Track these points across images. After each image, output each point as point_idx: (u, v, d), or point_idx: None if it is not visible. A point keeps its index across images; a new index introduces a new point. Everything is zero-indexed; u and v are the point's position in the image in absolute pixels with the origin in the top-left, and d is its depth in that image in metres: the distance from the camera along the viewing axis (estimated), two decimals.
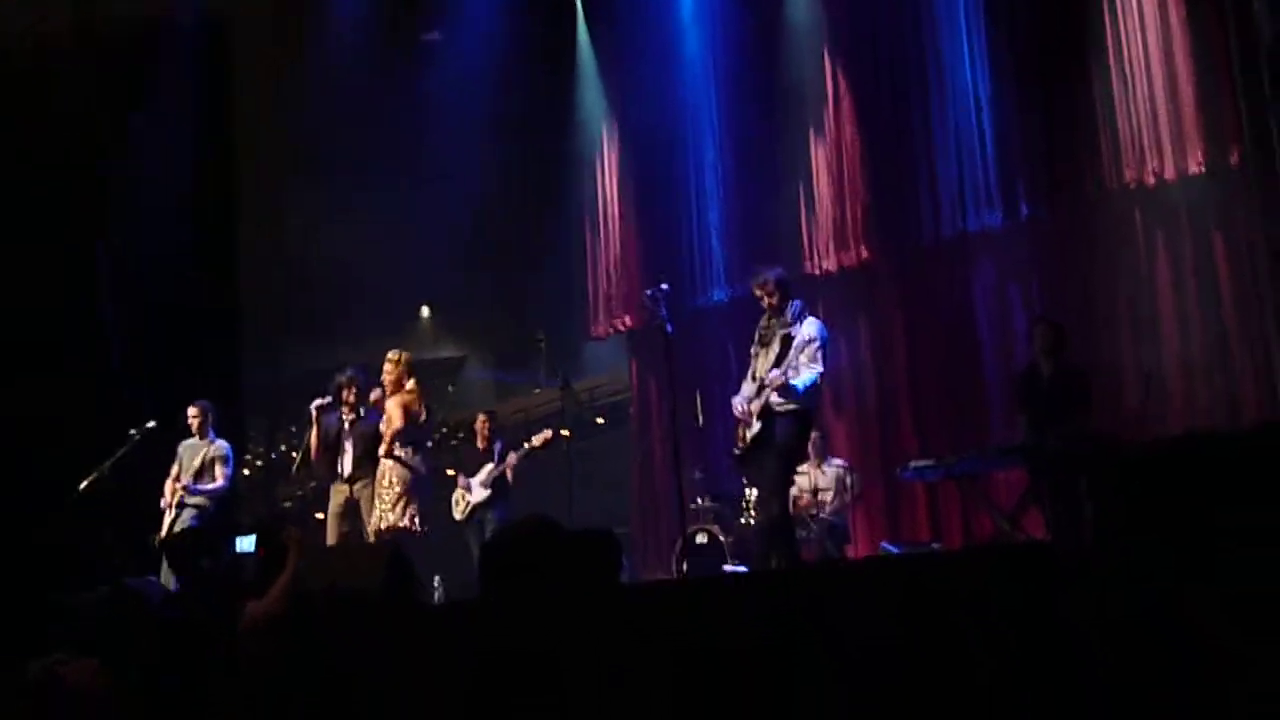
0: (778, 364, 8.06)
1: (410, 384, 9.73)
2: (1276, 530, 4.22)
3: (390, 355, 9.83)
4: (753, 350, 8.41)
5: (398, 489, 9.45)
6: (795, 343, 8.08)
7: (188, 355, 12.15)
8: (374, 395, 9.95)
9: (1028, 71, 11.47)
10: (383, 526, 9.40)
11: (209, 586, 6.39)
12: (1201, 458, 5.29)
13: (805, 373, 8.01)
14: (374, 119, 14.36)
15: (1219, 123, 10.35)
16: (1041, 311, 10.73)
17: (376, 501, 9.54)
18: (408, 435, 9.56)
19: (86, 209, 12.27)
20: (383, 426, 9.65)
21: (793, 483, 8.72)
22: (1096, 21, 11.05)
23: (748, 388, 8.29)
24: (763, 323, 8.37)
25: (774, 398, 8.03)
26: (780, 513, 8.10)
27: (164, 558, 6.33)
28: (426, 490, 9.75)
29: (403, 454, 9.52)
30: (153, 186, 12.35)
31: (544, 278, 15.59)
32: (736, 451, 8.37)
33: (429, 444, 9.83)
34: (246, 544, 7.29)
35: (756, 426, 8.15)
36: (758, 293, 8.41)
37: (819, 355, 8.09)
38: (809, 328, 8.17)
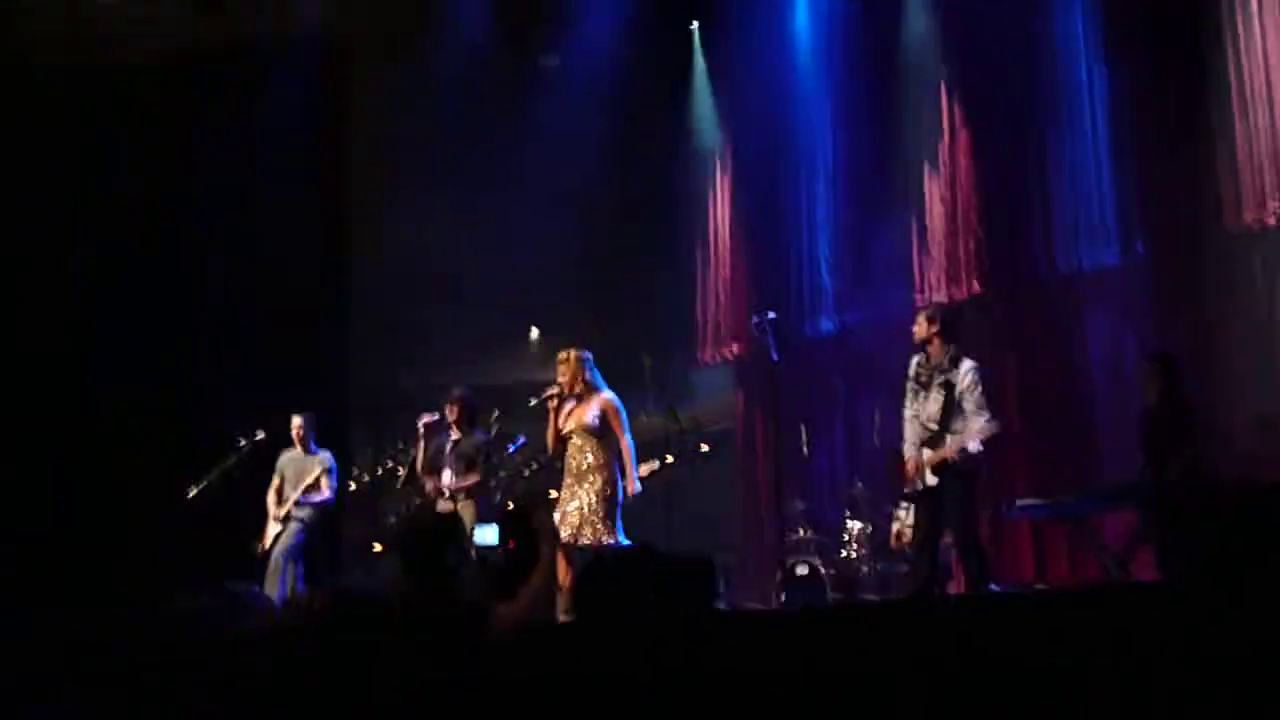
0: (945, 414, 8.12)
1: (606, 393, 9.27)
2: None
3: (560, 355, 9.41)
4: (910, 387, 8.47)
5: (601, 502, 9.00)
6: (958, 391, 8.15)
7: (296, 364, 12.30)
8: (567, 409, 9.31)
9: (1147, 107, 11.28)
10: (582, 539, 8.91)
11: (456, 585, 5.61)
12: None
13: (977, 423, 8.07)
14: (487, 137, 14.46)
15: None
16: (1153, 350, 10.54)
17: (577, 508, 9.03)
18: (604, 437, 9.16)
19: (199, 215, 12.48)
20: (576, 423, 9.19)
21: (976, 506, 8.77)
22: (1219, 58, 10.82)
23: (911, 431, 8.37)
24: (919, 360, 8.43)
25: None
26: (975, 537, 8.40)
27: (397, 551, 5.51)
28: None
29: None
30: (266, 195, 12.55)
31: (653, 303, 15.58)
32: (908, 491, 8.63)
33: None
34: (488, 535, 6.99)
35: (933, 480, 8.29)
36: (916, 325, 8.55)
37: (984, 398, 8.15)
38: (966, 373, 8.23)
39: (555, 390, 9.32)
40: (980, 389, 8.19)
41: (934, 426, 8.25)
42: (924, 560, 8.48)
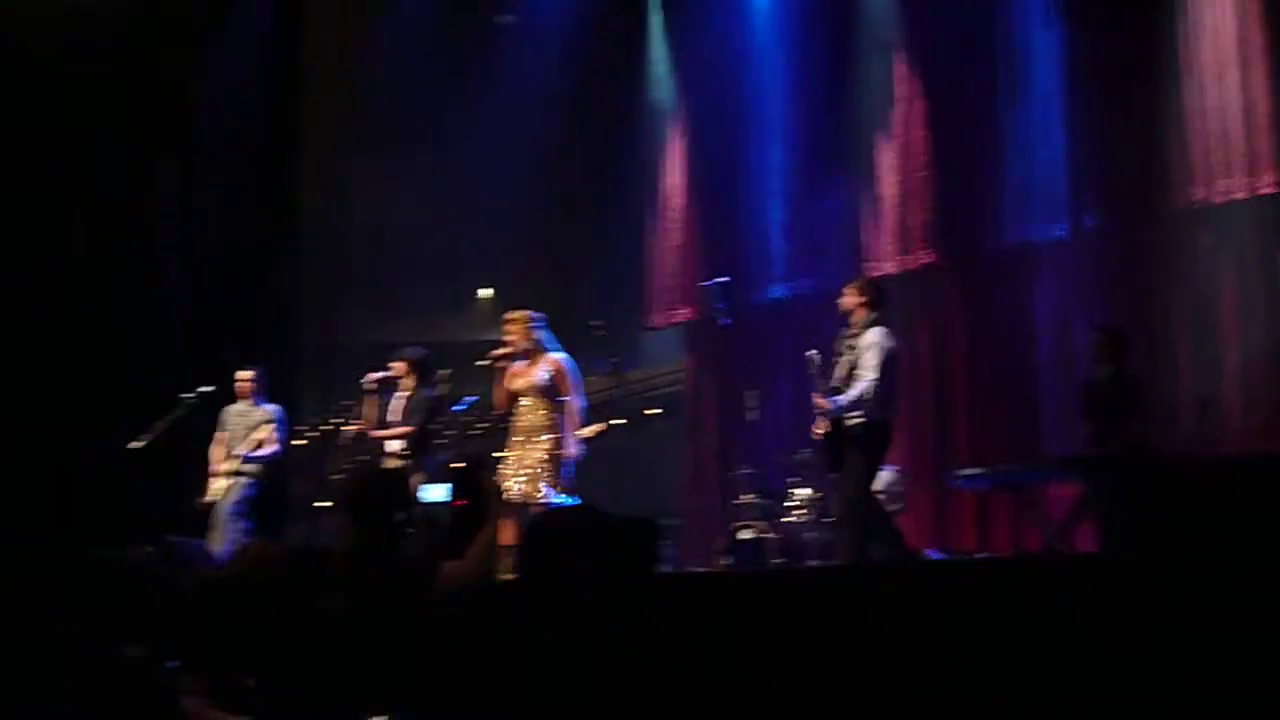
0: (846, 377, 8.25)
1: (556, 354, 9.27)
2: None
3: (509, 315, 9.43)
4: (835, 358, 8.57)
5: (549, 462, 9.05)
6: (858, 355, 8.24)
7: (244, 317, 12.23)
8: (516, 369, 9.34)
9: (1100, 83, 11.32)
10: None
11: (401, 543, 5.58)
12: (1256, 479, 5.21)
13: (856, 386, 8.13)
14: (441, 95, 14.41)
15: None
16: (1104, 323, 10.60)
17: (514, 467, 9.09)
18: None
19: (148, 170, 12.36)
20: (525, 383, 9.20)
21: (870, 480, 8.75)
22: (1171, 36, 10.88)
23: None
24: (844, 330, 8.54)
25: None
26: (854, 504, 8.38)
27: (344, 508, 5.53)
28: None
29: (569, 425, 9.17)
30: (216, 151, 12.44)
31: (605, 263, 15.56)
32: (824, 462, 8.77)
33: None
34: (438, 493, 6.94)
35: (822, 435, 8.46)
36: (843, 296, 8.66)
37: (876, 363, 8.18)
38: (869, 335, 8.29)
39: (504, 351, 9.32)
40: (876, 354, 8.24)
41: (835, 389, 8.37)
42: (851, 528, 8.54)
